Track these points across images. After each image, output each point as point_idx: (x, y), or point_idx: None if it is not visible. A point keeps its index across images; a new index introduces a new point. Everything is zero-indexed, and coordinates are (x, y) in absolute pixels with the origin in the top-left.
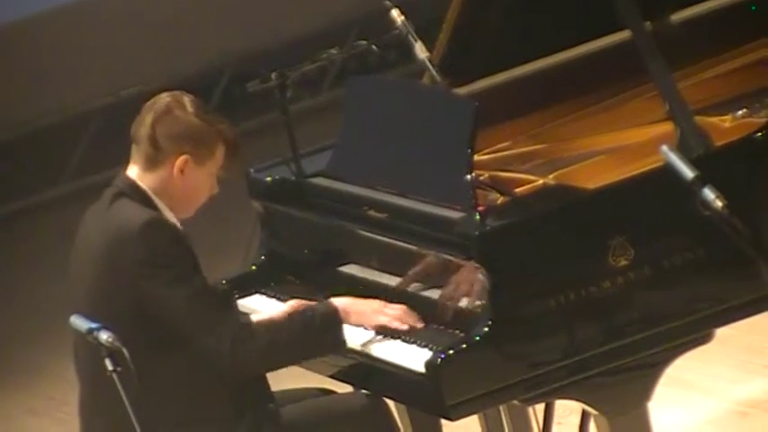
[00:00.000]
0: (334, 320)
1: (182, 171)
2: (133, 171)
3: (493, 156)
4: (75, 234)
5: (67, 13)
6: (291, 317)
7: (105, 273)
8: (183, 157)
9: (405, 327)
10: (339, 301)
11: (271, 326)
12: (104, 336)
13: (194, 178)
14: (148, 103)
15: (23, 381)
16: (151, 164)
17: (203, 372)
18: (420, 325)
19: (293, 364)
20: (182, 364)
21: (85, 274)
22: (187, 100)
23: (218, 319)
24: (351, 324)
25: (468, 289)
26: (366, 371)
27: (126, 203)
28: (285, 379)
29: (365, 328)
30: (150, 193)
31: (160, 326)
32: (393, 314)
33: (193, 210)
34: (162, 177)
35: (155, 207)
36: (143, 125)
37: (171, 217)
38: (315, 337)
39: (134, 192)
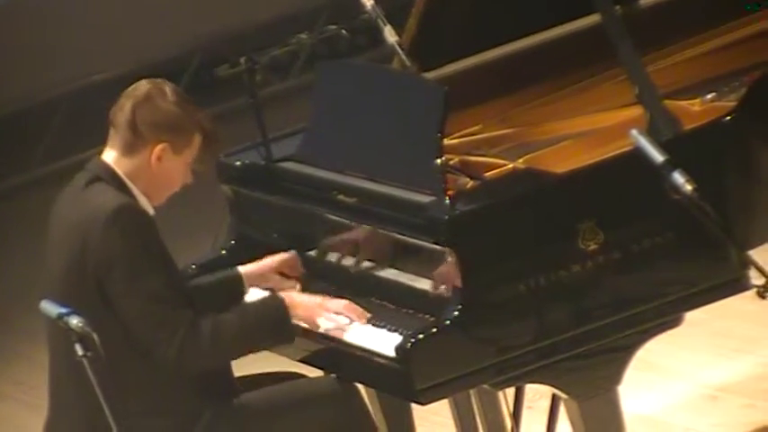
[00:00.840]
0: (283, 314)
1: (159, 159)
2: (109, 156)
3: (463, 140)
4: (49, 217)
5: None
6: (241, 310)
7: (75, 257)
8: (161, 145)
9: (347, 321)
10: (285, 294)
11: (218, 322)
12: (74, 320)
13: (170, 166)
14: (129, 89)
15: None
16: (129, 149)
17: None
18: (364, 319)
19: (242, 356)
20: (142, 357)
21: (57, 257)
22: (168, 89)
23: (167, 323)
24: (299, 318)
25: (437, 273)
26: (336, 355)
27: (101, 188)
28: (253, 363)
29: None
30: (125, 178)
31: (119, 315)
32: (335, 309)
33: (165, 197)
34: (138, 163)
35: (129, 193)
36: (122, 111)
37: (145, 203)
38: (261, 330)
39: (109, 176)
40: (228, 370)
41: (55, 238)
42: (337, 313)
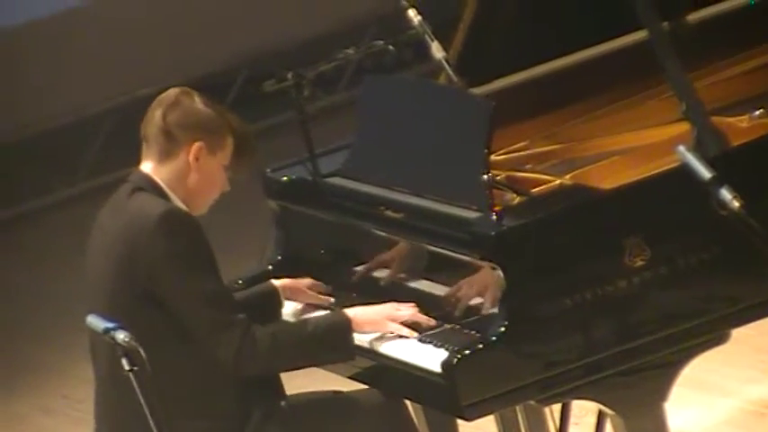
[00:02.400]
0: (345, 331)
1: (196, 159)
2: (147, 166)
3: (509, 156)
4: (91, 230)
5: (82, 13)
6: (301, 323)
7: (123, 264)
8: (196, 145)
9: (415, 330)
10: (352, 311)
11: (278, 332)
12: (121, 335)
13: (207, 168)
14: (156, 100)
15: (37, 380)
16: (165, 155)
17: (211, 368)
18: (432, 324)
19: (299, 368)
20: (192, 358)
21: (103, 268)
22: (195, 93)
23: (226, 324)
24: (365, 333)
25: (483, 289)
26: (383, 371)
27: (143, 196)
28: (299, 380)
29: (381, 336)
30: (165, 187)
31: (173, 318)
32: (404, 316)
33: (206, 205)
34: (177, 168)
35: (167, 198)
36: (153, 120)
37: (179, 205)
38: (321, 346)
39: (150, 186)
40: (276, 376)
41: (98, 249)
42: (406, 322)
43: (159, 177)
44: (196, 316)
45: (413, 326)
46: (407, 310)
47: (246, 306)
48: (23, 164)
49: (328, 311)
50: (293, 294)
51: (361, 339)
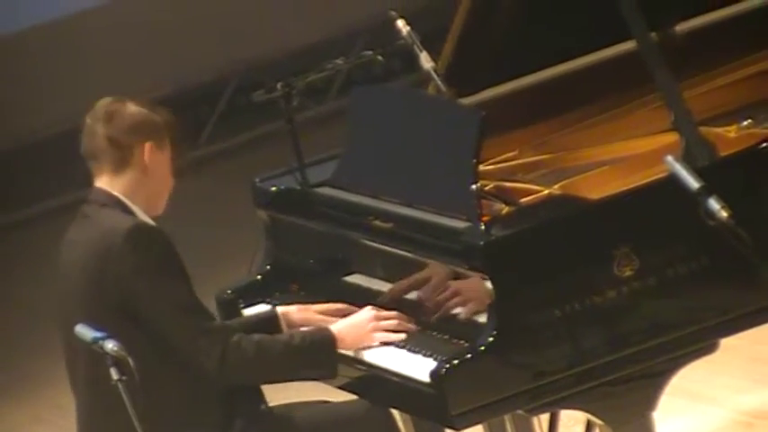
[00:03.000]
0: (329, 348)
1: (150, 158)
2: (103, 182)
3: (498, 165)
4: (60, 249)
5: (72, 21)
6: (287, 336)
7: (94, 280)
8: (147, 145)
9: (401, 336)
10: (336, 327)
11: (262, 343)
12: (110, 345)
13: (160, 165)
14: (87, 117)
15: (29, 389)
16: (119, 165)
17: (193, 377)
18: (415, 328)
19: (281, 381)
20: (171, 369)
21: (76, 284)
22: (123, 98)
23: (204, 331)
24: (349, 349)
25: (472, 298)
26: (371, 381)
27: (107, 212)
28: (288, 391)
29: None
30: (124, 199)
31: (149, 331)
32: (388, 325)
33: (164, 202)
34: (132, 175)
35: (131, 213)
36: (95, 136)
37: (147, 218)
38: (305, 361)
39: (111, 201)
40: (258, 386)
41: (70, 266)
42: (388, 329)
43: (117, 190)
44: (173, 326)
45: (400, 330)
46: (391, 316)
47: (244, 330)
48: (15, 173)
49: (314, 329)
50: (301, 321)
51: (349, 350)
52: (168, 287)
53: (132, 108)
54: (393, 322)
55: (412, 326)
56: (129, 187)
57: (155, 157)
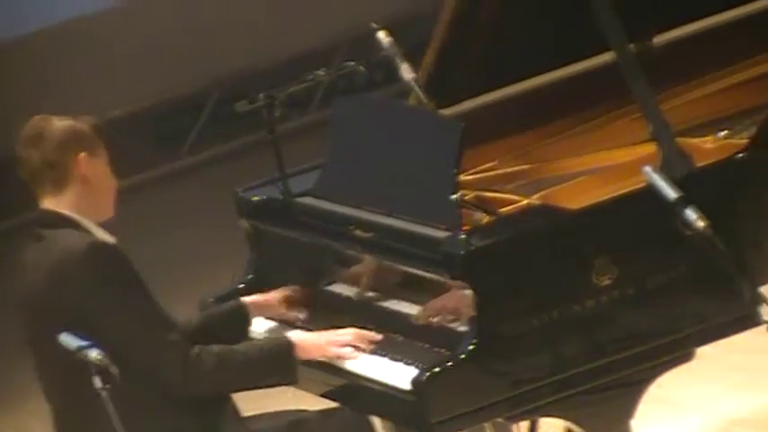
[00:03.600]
0: (288, 355)
1: (86, 168)
2: (49, 203)
3: (478, 175)
4: (17, 271)
5: (61, 31)
6: (247, 346)
7: (55, 303)
8: (80, 156)
9: (358, 351)
10: (296, 336)
11: (222, 352)
12: (94, 353)
13: (98, 171)
14: (19, 143)
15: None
16: (58, 183)
17: (159, 389)
18: (377, 339)
19: (245, 389)
20: (139, 383)
21: (39, 307)
22: (47, 116)
23: (166, 345)
24: (311, 357)
25: (453, 307)
26: (353, 389)
27: (61, 233)
28: (269, 399)
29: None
30: (74, 215)
31: (110, 349)
32: (345, 341)
33: (111, 206)
34: (75, 189)
35: (84, 229)
36: (30, 160)
37: (102, 235)
38: (265, 368)
39: (60, 220)
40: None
41: (28, 288)
42: (346, 344)
43: (65, 208)
44: (136, 341)
45: (378, 343)
46: (347, 335)
47: (215, 322)
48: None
49: (273, 336)
50: (264, 310)
51: (331, 359)
52: (127, 303)
53: (57, 124)
54: (349, 337)
55: (370, 339)
56: (75, 202)
57: (91, 166)
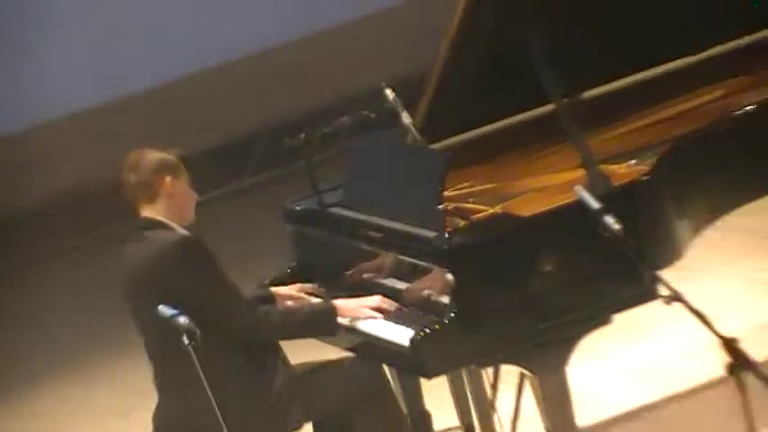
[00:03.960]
0: (331, 314)
1: (173, 186)
2: (146, 212)
3: (457, 192)
4: (122, 263)
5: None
6: (303, 305)
7: (156, 286)
8: (167, 179)
9: (382, 313)
10: (337, 301)
11: (286, 312)
12: (182, 319)
13: (181, 189)
14: (124, 169)
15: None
16: (152, 198)
17: (241, 343)
18: (393, 307)
19: (298, 338)
20: (214, 341)
21: (143, 288)
22: (143, 149)
23: (243, 308)
24: (346, 317)
25: (439, 286)
26: (368, 345)
27: (155, 233)
28: (311, 351)
29: (357, 318)
30: (164, 219)
31: (197, 314)
32: (372, 304)
33: (192, 213)
34: (163, 202)
35: (173, 229)
36: (130, 182)
37: (185, 232)
38: (315, 323)
39: (155, 224)
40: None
41: (135, 273)
42: (374, 308)
43: (158, 215)
44: (218, 306)
45: (382, 310)
46: (375, 297)
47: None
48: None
49: (320, 302)
50: (287, 299)
51: (352, 323)
52: (210, 279)
53: (149, 155)
54: (376, 302)
55: (390, 304)
56: (164, 211)
57: (174, 186)
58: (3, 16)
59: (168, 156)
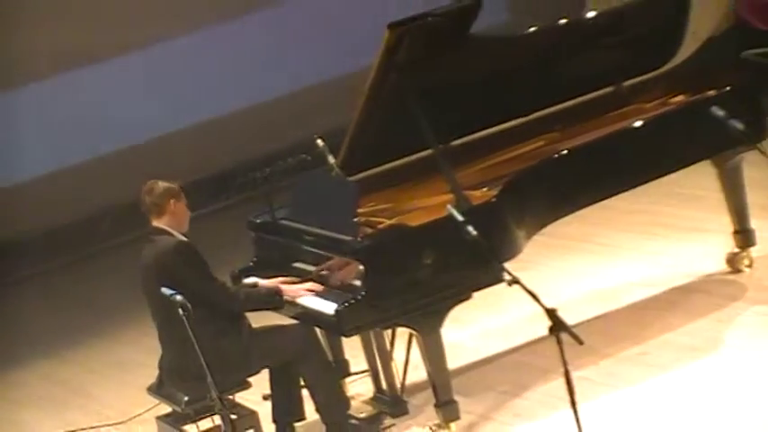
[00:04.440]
0: (277, 294)
1: (175, 206)
2: (156, 222)
3: (367, 209)
4: (140, 259)
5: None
6: (260, 290)
7: (162, 274)
8: (171, 202)
9: (312, 292)
10: (282, 286)
11: (248, 293)
12: (178, 297)
13: (181, 209)
14: (143, 192)
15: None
16: (160, 214)
17: (218, 313)
18: (320, 289)
19: (258, 311)
20: (202, 314)
21: (151, 278)
22: (156, 181)
23: (221, 290)
24: (288, 296)
25: (354, 273)
26: (306, 313)
27: (162, 237)
28: (268, 319)
29: (296, 296)
30: (169, 228)
31: (191, 297)
32: (305, 287)
33: (187, 224)
34: (168, 216)
35: (174, 235)
36: (146, 202)
37: (182, 238)
38: (267, 301)
39: (162, 231)
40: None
41: (146, 267)
42: (306, 289)
43: (164, 225)
44: (210, 291)
45: (312, 290)
46: (306, 284)
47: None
48: None
49: (271, 286)
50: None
51: (295, 299)
52: (198, 272)
53: (160, 185)
54: (307, 286)
55: (317, 287)
56: (168, 223)
57: (176, 206)
58: None
59: (173, 185)
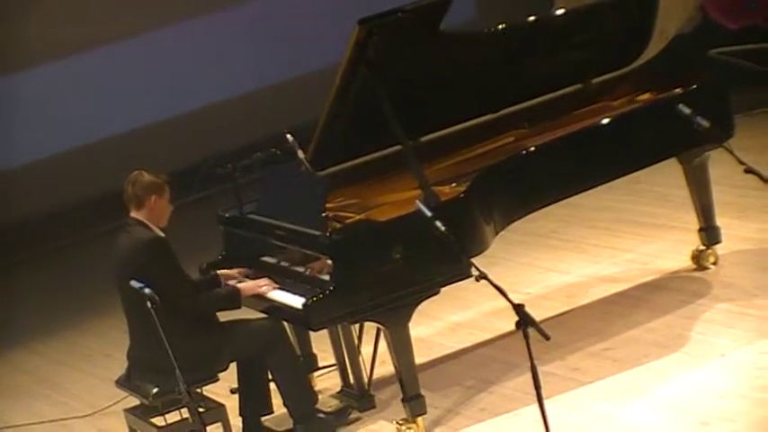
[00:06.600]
0: (236, 294)
1: (155, 202)
2: (134, 213)
3: (335, 204)
4: (114, 245)
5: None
6: (221, 290)
7: (133, 267)
8: (153, 197)
9: (271, 289)
10: (240, 285)
11: (211, 295)
12: (147, 290)
13: (162, 205)
14: (127, 182)
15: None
16: (140, 205)
17: (183, 311)
18: (276, 286)
19: (221, 311)
20: (170, 308)
21: (124, 270)
22: (142, 171)
23: (189, 292)
24: (247, 294)
25: (322, 268)
26: (274, 307)
27: (138, 229)
28: (236, 314)
29: (255, 293)
30: (146, 221)
31: (159, 291)
32: (261, 283)
33: (166, 219)
34: (147, 209)
35: (150, 228)
36: (128, 192)
37: (158, 231)
38: (228, 300)
39: (139, 223)
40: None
41: (120, 258)
42: (262, 285)
43: (142, 217)
44: (174, 288)
45: (285, 284)
46: (263, 279)
47: (201, 284)
48: None
49: (231, 287)
50: (228, 278)
51: (258, 294)
52: (169, 268)
53: (145, 177)
54: (265, 282)
55: (274, 284)
56: (146, 216)
57: (156, 203)
58: None
59: (158, 179)
